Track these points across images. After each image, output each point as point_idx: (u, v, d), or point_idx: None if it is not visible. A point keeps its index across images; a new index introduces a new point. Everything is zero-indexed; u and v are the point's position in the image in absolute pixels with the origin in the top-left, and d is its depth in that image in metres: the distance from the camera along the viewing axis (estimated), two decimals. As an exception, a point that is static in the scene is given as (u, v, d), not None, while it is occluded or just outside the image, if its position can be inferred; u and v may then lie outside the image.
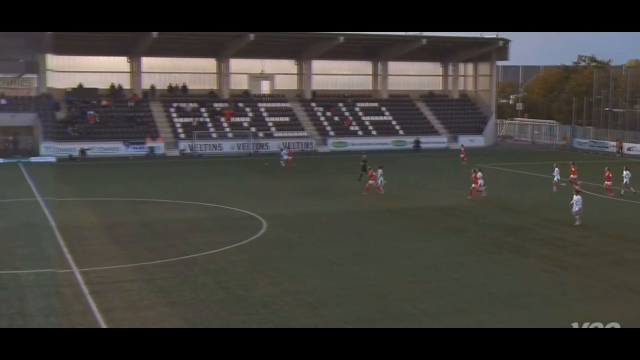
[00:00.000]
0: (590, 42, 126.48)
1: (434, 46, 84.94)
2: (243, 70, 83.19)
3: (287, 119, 79.54)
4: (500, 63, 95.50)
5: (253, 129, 75.62)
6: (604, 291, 22.98)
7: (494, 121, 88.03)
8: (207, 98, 79.99)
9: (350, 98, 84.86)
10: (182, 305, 21.02)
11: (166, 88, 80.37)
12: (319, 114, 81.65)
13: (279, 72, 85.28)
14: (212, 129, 75.14)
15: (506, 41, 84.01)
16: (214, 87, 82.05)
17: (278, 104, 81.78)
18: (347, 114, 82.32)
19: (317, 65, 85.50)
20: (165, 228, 32.93)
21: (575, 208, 33.76)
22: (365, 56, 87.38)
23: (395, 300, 21.66)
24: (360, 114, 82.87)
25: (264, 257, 27.21)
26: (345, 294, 22.24)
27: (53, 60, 74.64)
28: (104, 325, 19.07)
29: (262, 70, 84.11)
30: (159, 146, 70.75)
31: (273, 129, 77.21)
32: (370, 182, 43.14)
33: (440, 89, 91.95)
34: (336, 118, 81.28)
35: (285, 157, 60.95)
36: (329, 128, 79.52)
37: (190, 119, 75.49)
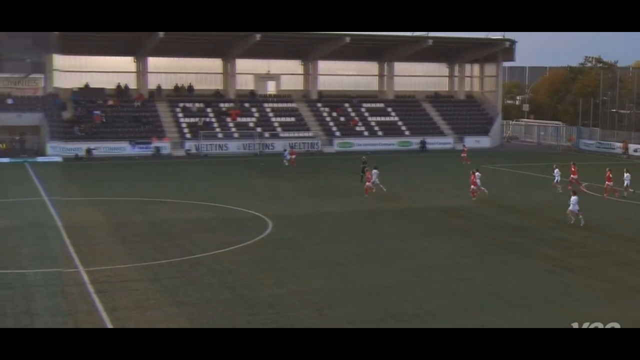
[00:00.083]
0: (596, 43, 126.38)
1: (440, 47, 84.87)
2: (249, 71, 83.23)
3: (292, 119, 79.60)
4: (507, 64, 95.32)
5: (259, 129, 75.69)
6: (608, 292, 23.00)
7: (500, 122, 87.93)
8: (213, 98, 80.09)
9: (356, 98, 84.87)
10: (187, 305, 21.11)
11: (172, 88, 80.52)
12: (325, 114, 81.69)
13: (284, 73, 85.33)
14: (217, 129, 75.24)
15: (512, 42, 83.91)
16: (220, 87, 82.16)
17: (284, 104, 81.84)
18: (352, 114, 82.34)
19: (323, 65, 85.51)
20: (171, 228, 33.03)
21: (571, 207, 33.68)
22: (371, 57, 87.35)
23: (399, 301, 21.71)
24: (366, 114, 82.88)
25: (269, 257, 27.29)
26: (349, 295, 22.31)
27: (59, 60, 74.82)
28: (109, 325, 19.17)
29: (268, 71, 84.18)
30: (165, 146, 70.89)
31: (279, 129, 77.29)
32: (368, 183, 43.10)
33: (446, 89, 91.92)
34: (342, 118, 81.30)
35: (289, 156, 61.14)
36: (334, 128, 79.54)
37: (196, 119, 75.60)
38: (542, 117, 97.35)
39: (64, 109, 72.97)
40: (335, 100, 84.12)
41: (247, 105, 79.82)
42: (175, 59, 79.60)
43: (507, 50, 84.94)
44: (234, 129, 75.80)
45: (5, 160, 63.21)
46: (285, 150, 64.68)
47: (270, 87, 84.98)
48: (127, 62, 78.98)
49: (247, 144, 73.72)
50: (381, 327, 17.92)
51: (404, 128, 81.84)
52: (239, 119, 77.09)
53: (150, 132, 72.14)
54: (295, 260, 26.77)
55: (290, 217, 36.08)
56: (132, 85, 79.11)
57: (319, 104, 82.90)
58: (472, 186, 42.01)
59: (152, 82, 79.40)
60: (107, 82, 77.75)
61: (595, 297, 22.38)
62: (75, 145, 67.63)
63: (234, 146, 73.37)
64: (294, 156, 61.34)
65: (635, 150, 73.58)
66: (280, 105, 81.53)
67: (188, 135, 73.46)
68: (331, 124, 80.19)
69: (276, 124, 77.94)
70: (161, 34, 69.02)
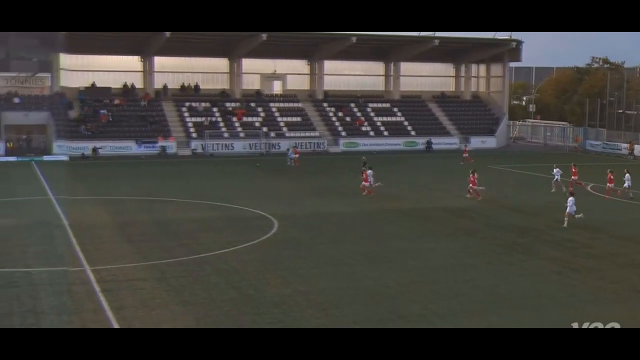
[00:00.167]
0: (603, 44, 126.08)
1: (446, 47, 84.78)
2: (255, 70, 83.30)
3: (298, 119, 79.62)
4: (513, 64, 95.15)
5: (265, 129, 75.73)
6: (615, 293, 22.95)
7: (506, 122, 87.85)
8: (219, 98, 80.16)
9: (362, 98, 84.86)
10: (193, 304, 21.12)
11: (178, 87, 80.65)
12: (331, 114, 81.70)
13: (290, 72, 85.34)
14: (223, 129, 75.32)
15: (519, 42, 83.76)
16: (226, 86, 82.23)
17: (290, 104, 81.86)
18: (358, 114, 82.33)
19: (329, 65, 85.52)
20: (177, 227, 33.06)
21: (568, 209, 33.49)
22: (377, 57, 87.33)
23: (405, 301, 21.70)
24: (372, 114, 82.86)
25: (275, 257, 27.29)
26: (355, 294, 22.30)
27: (66, 59, 75.02)
28: (115, 324, 19.18)
29: (274, 70, 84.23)
30: (171, 145, 70.98)
31: (285, 129, 77.32)
32: (365, 183, 43.09)
33: (453, 90, 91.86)
34: (348, 118, 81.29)
35: (293, 156, 61.20)
36: (340, 128, 79.55)
37: (202, 119, 75.69)
38: (549, 117, 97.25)
39: (71, 108, 73.13)
40: (341, 100, 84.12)
41: (253, 104, 79.87)
42: (182, 58, 79.70)
43: (514, 51, 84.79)
44: (239, 129, 75.86)
45: (12, 159, 63.44)
46: (288, 149, 64.76)
47: (276, 87, 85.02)
48: (133, 62, 79.15)
49: (253, 143, 73.78)
50: (387, 327, 17.92)
51: (409, 128, 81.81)
52: (244, 119, 77.14)
53: (156, 132, 72.27)
54: (301, 260, 26.77)
55: (296, 216, 36.09)
56: (139, 84, 79.24)
57: (325, 104, 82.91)
58: (473, 186, 41.93)
59: (159, 82, 79.51)
60: (114, 82, 77.92)
61: (603, 299, 22.33)
62: (82, 144, 67.76)
63: (239, 146, 73.43)
64: (297, 156, 61.37)
65: (642, 151, 73.43)
66: (286, 105, 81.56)
67: (194, 135, 73.56)
68: (337, 123, 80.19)
69: (282, 124, 77.98)
70: (167, 33, 69.12)
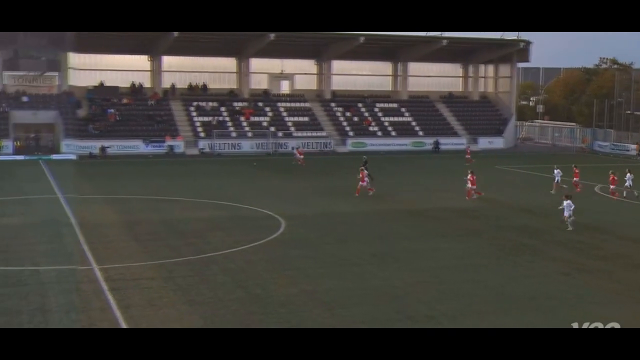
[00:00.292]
0: (612, 45, 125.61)
1: (455, 47, 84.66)
2: (263, 70, 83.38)
3: (306, 118, 79.64)
4: (521, 65, 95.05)
5: (272, 129, 75.76)
6: (622, 294, 22.88)
7: (514, 123, 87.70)
8: (226, 97, 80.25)
9: (370, 98, 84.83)
10: (200, 304, 21.14)
11: (186, 87, 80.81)
12: (339, 114, 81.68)
13: (298, 72, 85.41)
14: (231, 128, 75.39)
15: (527, 43, 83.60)
16: (234, 86, 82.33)
17: (297, 104, 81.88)
18: (366, 114, 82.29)
19: (337, 65, 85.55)
20: (185, 226, 33.10)
21: (565, 213, 33.22)
22: (385, 57, 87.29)
23: (412, 302, 21.67)
24: (380, 114, 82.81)
25: (283, 256, 27.30)
26: (362, 295, 22.28)
27: (75, 59, 75.25)
28: (122, 322, 19.22)
29: (282, 70, 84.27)
30: (179, 145, 71.10)
31: (292, 128, 77.35)
32: (362, 183, 42.98)
33: (461, 90, 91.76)
34: (355, 118, 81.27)
35: (297, 156, 61.27)
36: (348, 128, 79.52)
37: (210, 118, 75.79)
38: (557, 118, 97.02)
39: (79, 107, 73.32)
40: (349, 100, 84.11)
41: (260, 104, 79.93)
42: (190, 57, 79.86)
43: (522, 51, 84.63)
44: (247, 128, 75.92)
45: (20, 157, 63.65)
46: (293, 149, 64.86)
47: (284, 87, 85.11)
48: (141, 61, 79.34)
49: (260, 143, 73.84)
50: (395, 328, 17.89)
51: (417, 128, 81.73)
52: (252, 118, 77.20)
53: (164, 131, 72.38)
54: (308, 260, 26.77)
55: (303, 216, 36.10)
56: (147, 83, 79.42)
57: (333, 104, 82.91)
58: (473, 186, 41.86)
59: (167, 81, 79.71)
60: (122, 81, 78.12)
61: (611, 300, 22.25)
62: (90, 143, 67.91)
63: (247, 145, 73.50)
64: (301, 156, 61.31)
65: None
66: (293, 104, 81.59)
67: (202, 134, 73.66)
68: (344, 123, 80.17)
69: (290, 124, 78.00)
70: (176, 33, 69.19)
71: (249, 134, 75.27)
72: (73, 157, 64.90)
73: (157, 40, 74.10)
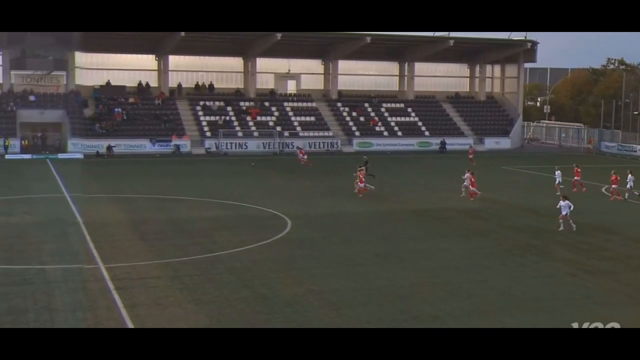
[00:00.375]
0: (619, 45, 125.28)
1: (461, 47, 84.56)
2: (269, 70, 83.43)
3: (312, 118, 79.66)
4: (528, 65, 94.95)
5: (278, 128, 75.80)
6: (629, 295, 22.83)
7: (521, 123, 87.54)
8: (233, 97, 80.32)
9: (376, 98, 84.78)
10: (206, 303, 21.16)
11: (193, 86, 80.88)
12: (345, 114, 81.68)
13: (305, 72, 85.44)
14: (237, 128, 75.46)
15: (534, 43, 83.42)
16: (240, 86, 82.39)
17: (304, 104, 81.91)
18: (372, 114, 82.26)
19: (343, 65, 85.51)
20: (191, 226, 33.15)
21: (563, 212, 33.09)
22: (392, 57, 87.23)
23: (418, 302, 21.66)
24: (386, 114, 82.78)
25: (288, 256, 27.31)
26: (368, 294, 22.28)
27: (81, 58, 75.46)
28: (128, 321, 19.25)
29: (288, 70, 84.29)
30: (185, 144, 71.20)
31: (298, 128, 77.38)
32: (360, 184, 42.91)
33: (467, 90, 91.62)
34: (362, 118, 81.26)
35: (300, 156, 61.29)
36: (354, 128, 79.52)
37: (216, 118, 75.85)
38: (563, 118, 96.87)
39: (85, 106, 73.48)
40: (355, 100, 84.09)
41: (267, 104, 79.98)
42: (196, 57, 80.00)
43: (529, 51, 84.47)
44: (253, 128, 75.99)
45: (27, 156, 63.83)
46: (296, 148, 65.00)
47: (291, 87, 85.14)
48: (148, 60, 79.50)
49: (266, 142, 73.88)
50: (400, 328, 17.89)
51: (423, 128, 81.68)
52: (258, 118, 77.27)
53: (170, 130, 72.51)
54: (314, 260, 26.78)
55: (309, 216, 36.12)
56: (153, 83, 79.52)
57: (339, 104, 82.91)
58: (472, 187, 41.82)
59: (173, 80, 79.81)
60: (128, 80, 78.27)
61: (617, 301, 22.20)
62: (96, 143, 68.06)
63: (253, 145, 73.56)
64: (304, 156, 61.27)
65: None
66: (300, 104, 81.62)
67: (208, 134, 73.74)
68: (351, 123, 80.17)
69: (296, 123, 78.03)
70: (182, 32, 69.24)
71: (255, 134, 75.33)
72: (80, 156, 65.06)
73: (164, 39, 74.22)
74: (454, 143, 78.69)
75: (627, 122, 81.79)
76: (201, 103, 77.91)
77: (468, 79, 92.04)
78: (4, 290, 22.20)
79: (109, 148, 67.38)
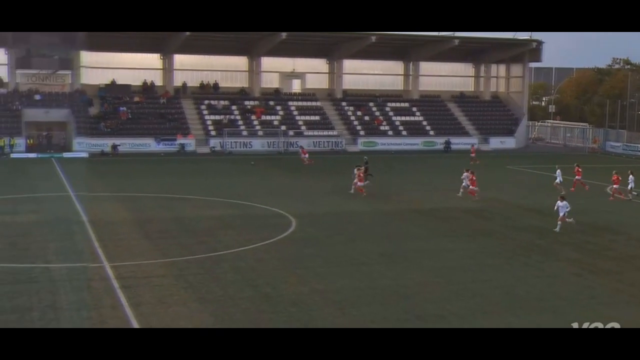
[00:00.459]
0: (625, 45, 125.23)
1: (466, 47, 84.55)
2: (274, 69, 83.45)
3: (317, 117, 79.67)
4: (533, 65, 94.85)
5: (283, 128, 75.83)
6: (634, 296, 22.81)
7: (526, 123, 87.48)
8: (238, 96, 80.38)
9: (381, 98, 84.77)
10: (211, 302, 21.20)
11: (198, 85, 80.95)
12: (350, 113, 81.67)
13: (310, 71, 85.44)
14: (242, 127, 75.50)
15: (539, 42, 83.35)
16: (245, 85, 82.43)
17: (309, 103, 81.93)
18: (377, 113, 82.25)
19: (348, 64, 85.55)
20: (196, 224, 33.19)
21: (561, 214, 32.88)
22: (397, 56, 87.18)
23: (422, 301, 21.67)
24: (391, 113, 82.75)
25: (293, 255, 27.34)
26: (373, 294, 22.29)
27: (87, 57, 75.55)
28: (133, 320, 19.30)
29: (293, 69, 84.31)
30: (190, 143, 71.26)
31: (303, 127, 77.39)
32: (359, 183, 42.91)
33: (472, 90, 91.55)
34: (366, 118, 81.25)
35: (302, 156, 61.31)
36: (359, 127, 79.51)
37: (221, 117, 75.92)
38: (569, 118, 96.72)
39: (91, 105, 73.60)
40: (360, 99, 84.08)
41: (272, 103, 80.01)
42: (201, 56, 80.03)
43: (534, 51, 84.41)
44: (258, 127, 76.02)
45: (33, 155, 63.96)
46: (299, 146, 65.10)
47: (295, 86, 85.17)
48: (153, 59, 79.57)
49: (271, 141, 73.93)
50: (404, 327, 17.91)
51: (428, 128, 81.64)
52: (263, 117, 77.31)
53: (175, 129, 72.59)
54: (318, 259, 26.80)
55: (313, 215, 36.14)
56: (158, 82, 79.61)
57: (344, 103, 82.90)
58: (472, 187, 41.79)
59: (178, 79, 79.89)
60: (133, 79, 78.39)
61: (621, 301, 22.20)
62: (101, 141, 68.18)
63: (258, 144, 73.60)
64: (307, 155, 61.32)
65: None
66: (305, 103, 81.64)
67: (213, 133, 73.80)
68: (355, 123, 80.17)
69: (301, 123, 78.05)
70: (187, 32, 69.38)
71: (260, 133, 75.37)
72: (85, 155, 65.17)
73: (169, 39, 74.31)
74: (458, 143, 78.58)
75: (632, 122, 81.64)
76: (206, 102, 77.99)
77: (473, 78, 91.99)
78: (9, 289, 22.28)
79: (114, 147, 67.49)
